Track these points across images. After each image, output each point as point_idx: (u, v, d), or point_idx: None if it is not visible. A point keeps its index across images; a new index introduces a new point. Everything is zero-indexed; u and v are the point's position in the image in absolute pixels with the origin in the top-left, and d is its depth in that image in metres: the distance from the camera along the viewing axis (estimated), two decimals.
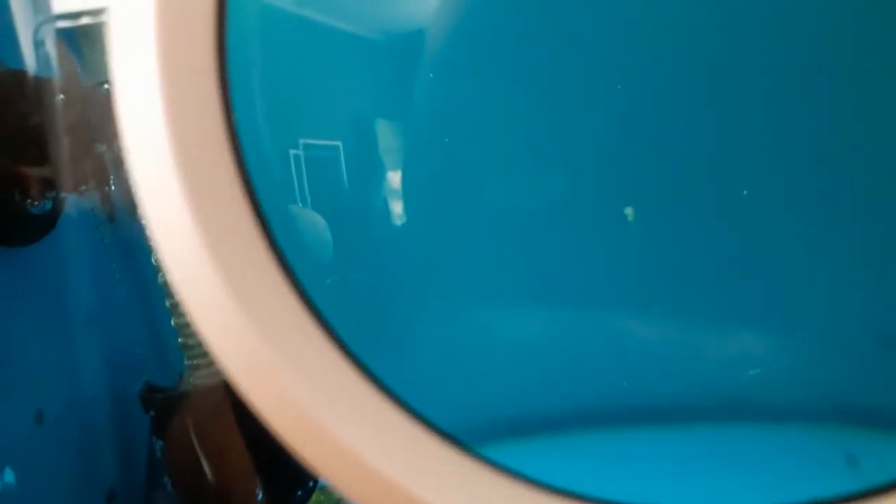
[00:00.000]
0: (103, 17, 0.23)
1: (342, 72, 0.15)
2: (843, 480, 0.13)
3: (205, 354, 0.23)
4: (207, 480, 0.23)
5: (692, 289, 0.16)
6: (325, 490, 0.24)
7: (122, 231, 0.24)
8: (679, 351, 0.16)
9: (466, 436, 0.13)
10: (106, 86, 0.23)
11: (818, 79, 0.15)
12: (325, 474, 0.13)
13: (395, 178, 0.15)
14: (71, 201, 0.24)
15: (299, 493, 0.24)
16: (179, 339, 0.23)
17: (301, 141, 0.15)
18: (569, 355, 0.16)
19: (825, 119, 0.15)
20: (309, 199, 0.15)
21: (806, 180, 0.15)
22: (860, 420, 0.15)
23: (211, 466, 0.23)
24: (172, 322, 0.23)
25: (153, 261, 0.22)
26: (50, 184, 0.23)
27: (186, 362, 0.23)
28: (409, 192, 0.15)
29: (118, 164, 0.23)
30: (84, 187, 0.24)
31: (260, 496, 0.23)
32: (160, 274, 0.23)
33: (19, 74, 0.23)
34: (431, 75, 0.15)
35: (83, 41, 0.24)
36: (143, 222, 0.13)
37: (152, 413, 0.24)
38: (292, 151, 0.15)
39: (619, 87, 0.15)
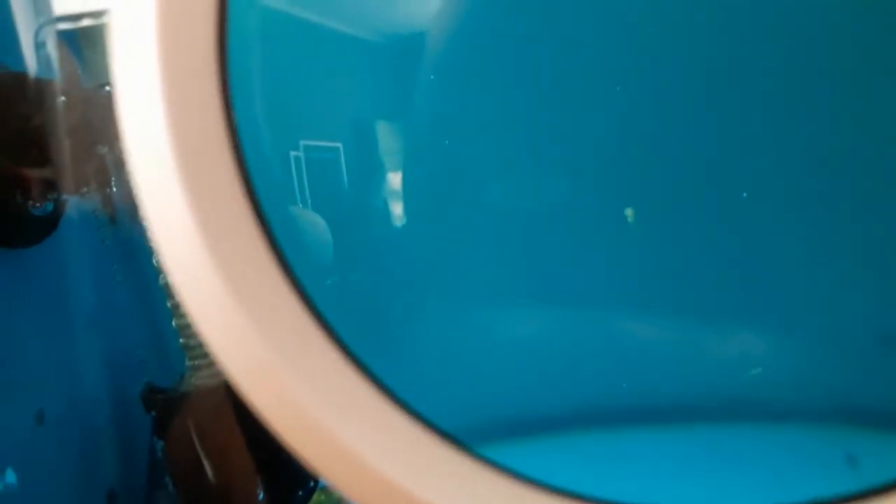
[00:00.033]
0: (104, 19, 0.23)
1: (342, 73, 0.15)
2: (843, 480, 0.13)
3: (206, 355, 0.23)
4: (208, 480, 0.23)
5: (692, 289, 0.16)
6: (326, 490, 0.24)
7: (124, 232, 0.24)
8: (679, 351, 0.16)
9: (466, 436, 0.13)
10: (107, 87, 0.23)
11: (818, 79, 0.15)
12: (326, 474, 0.13)
13: (395, 179, 0.15)
14: (72, 203, 0.24)
15: (300, 493, 0.24)
16: (180, 340, 0.23)
17: (301, 142, 0.15)
18: (569, 355, 0.16)
19: (825, 120, 0.15)
20: (309, 201, 0.15)
21: (805, 181, 0.15)
22: (860, 420, 0.15)
23: (212, 467, 0.23)
24: (173, 323, 0.23)
25: (154, 262, 0.22)
26: (51, 185, 0.23)
27: (187, 363, 0.23)
28: (409, 193, 0.15)
29: (119, 165, 0.23)
30: (85, 189, 0.24)
31: (261, 496, 0.23)
32: (161, 275, 0.23)
33: (20, 76, 0.23)
34: (432, 77, 0.15)
35: (84, 43, 0.24)
36: (144, 224, 0.13)
37: (153, 413, 0.24)
38: (293, 153, 0.15)
39: (618, 88, 0.15)
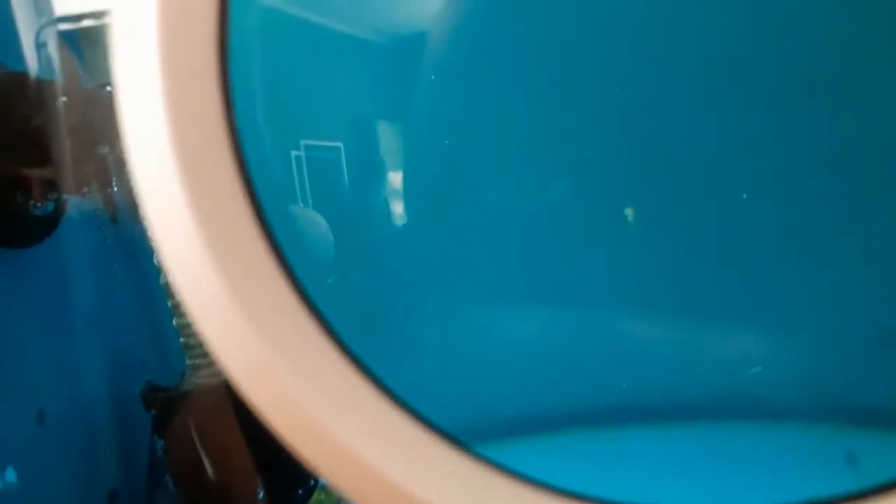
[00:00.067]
0: (105, 20, 0.23)
1: (343, 73, 0.15)
2: (842, 480, 0.13)
3: (206, 354, 0.23)
4: (209, 479, 0.23)
5: (692, 288, 0.16)
6: (326, 489, 0.24)
7: (124, 232, 0.24)
8: (679, 351, 0.16)
9: (466, 435, 0.13)
10: (108, 88, 0.23)
11: (818, 79, 0.15)
12: (325, 473, 0.13)
13: (395, 178, 0.15)
14: (73, 203, 0.24)
15: (300, 492, 0.24)
16: (181, 340, 0.23)
17: (302, 142, 0.15)
18: (569, 355, 0.16)
19: (825, 119, 0.15)
20: (310, 200, 0.15)
21: (805, 180, 0.15)
22: (860, 419, 0.15)
23: (212, 465, 0.23)
24: (174, 322, 0.23)
25: (155, 262, 0.22)
26: (52, 185, 0.23)
27: (188, 362, 0.23)
28: (409, 192, 0.15)
29: (120, 165, 0.23)
30: (86, 189, 0.24)
31: (261, 495, 0.23)
32: (162, 275, 0.23)
33: (21, 77, 0.23)
34: (432, 77, 0.15)
35: (85, 43, 0.24)
36: (145, 223, 0.13)
37: (154, 412, 0.24)
38: (293, 152, 0.15)
39: (619, 89, 0.15)
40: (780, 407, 0.15)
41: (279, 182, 0.14)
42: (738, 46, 0.15)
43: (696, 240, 0.16)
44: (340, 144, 0.15)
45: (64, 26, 0.23)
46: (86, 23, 0.24)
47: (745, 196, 0.15)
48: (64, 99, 0.23)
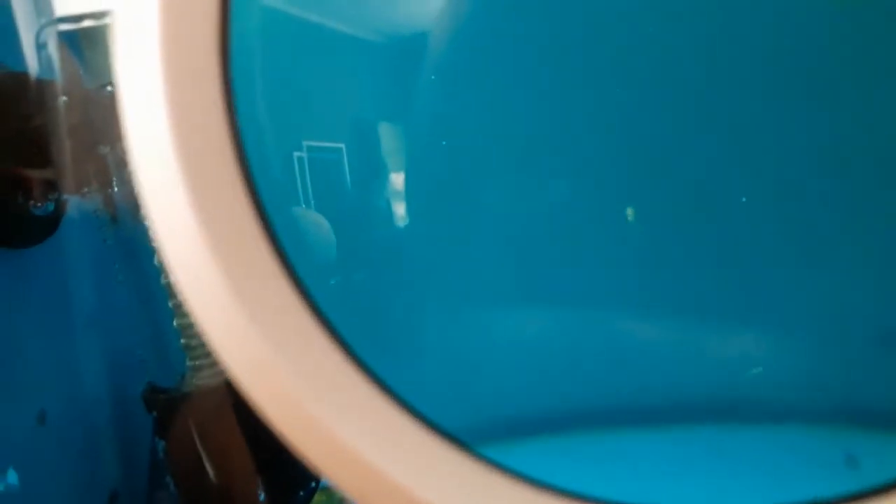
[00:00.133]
0: (105, 20, 0.23)
1: (345, 74, 0.15)
2: (842, 481, 0.13)
3: (207, 355, 0.23)
4: (210, 480, 0.23)
5: (692, 289, 0.16)
6: (328, 490, 0.24)
7: (125, 232, 0.24)
8: (679, 351, 0.16)
9: (467, 436, 0.13)
10: (108, 88, 0.23)
11: (817, 79, 0.15)
12: (327, 474, 0.13)
13: (398, 179, 0.15)
14: (73, 203, 0.24)
15: (301, 493, 0.24)
16: (182, 340, 0.23)
17: (304, 143, 0.15)
18: (570, 356, 0.16)
19: (824, 119, 0.15)
20: (312, 201, 0.15)
21: (805, 180, 0.15)
22: (860, 420, 0.15)
23: (213, 467, 0.23)
24: (175, 323, 0.23)
25: (156, 262, 0.22)
26: (52, 185, 0.23)
27: (189, 363, 0.23)
28: (411, 193, 0.15)
29: (121, 165, 0.23)
30: (86, 189, 0.24)
31: (262, 496, 0.23)
32: (163, 275, 0.23)
33: (21, 77, 0.23)
34: (433, 78, 0.15)
35: (85, 44, 0.24)
36: (146, 224, 0.13)
37: (155, 414, 0.24)
38: (295, 153, 0.15)
39: (619, 90, 0.15)
40: (780, 408, 0.16)
41: (281, 183, 0.14)
42: (737, 48, 0.15)
43: (696, 240, 0.16)
44: (342, 145, 0.15)
45: (64, 26, 0.23)
46: (86, 23, 0.24)
47: (744, 200, 0.15)
48: (64, 99, 0.23)
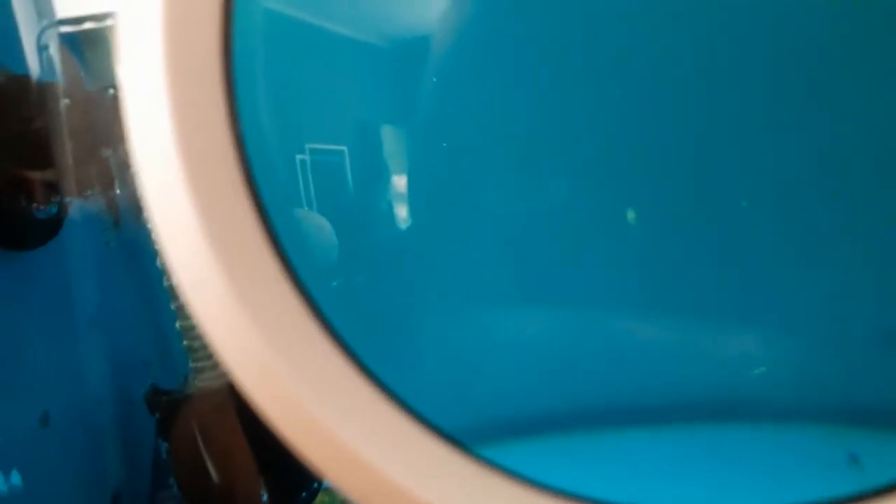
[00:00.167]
0: (107, 22, 0.23)
1: (347, 77, 0.15)
2: (845, 480, 0.14)
3: (209, 357, 0.23)
4: (212, 482, 0.23)
5: (693, 288, 0.16)
6: (330, 491, 0.24)
7: (127, 235, 0.25)
8: (680, 351, 0.16)
9: (467, 436, 0.13)
10: (110, 90, 0.23)
11: (817, 79, 0.15)
12: (329, 476, 0.13)
13: (400, 182, 0.15)
14: (76, 205, 0.24)
15: (304, 494, 0.24)
16: (184, 342, 0.23)
17: (307, 146, 0.15)
18: (570, 357, 0.16)
19: (824, 119, 0.15)
20: (314, 203, 0.15)
21: (806, 179, 0.15)
22: (862, 419, 0.15)
23: (216, 468, 0.23)
24: (177, 325, 0.23)
25: (158, 264, 0.22)
26: (54, 188, 0.23)
27: (191, 364, 0.23)
28: (413, 195, 0.15)
29: (123, 168, 0.23)
30: (89, 192, 0.24)
31: (264, 497, 0.23)
32: (165, 277, 0.23)
33: (23, 79, 0.23)
34: (434, 80, 0.15)
35: (86, 46, 0.24)
36: (149, 226, 0.13)
37: (157, 415, 0.24)
38: (298, 156, 0.15)
39: (619, 92, 0.15)
40: (781, 408, 0.16)
41: (283, 185, 0.14)
42: (738, 49, 0.15)
43: (696, 239, 0.16)
44: (345, 148, 0.15)
45: (65, 29, 0.23)
46: (87, 25, 0.24)
47: (744, 204, 0.15)
48: (66, 102, 0.23)
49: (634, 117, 0.15)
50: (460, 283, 0.16)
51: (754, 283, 0.15)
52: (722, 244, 0.15)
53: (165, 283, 0.23)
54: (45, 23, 0.23)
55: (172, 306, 0.23)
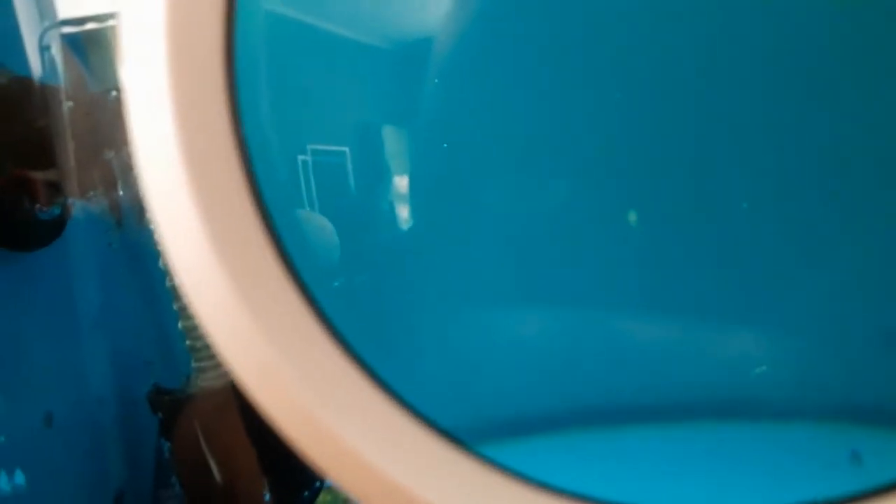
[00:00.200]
0: (109, 23, 0.23)
1: (349, 77, 0.15)
2: (847, 479, 0.14)
3: (212, 357, 0.23)
4: (215, 481, 0.23)
5: (693, 287, 0.16)
6: (332, 490, 0.24)
7: (130, 236, 0.25)
8: (680, 350, 0.16)
9: (467, 435, 0.13)
10: (113, 92, 0.23)
11: (817, 79, 0.15)
12: (331, 474, 0.13)
13: (401, 182, 0.15)
14: (79, 206, 0.24)
15: (306, 493, 0.24)
16: (187, 342, 0.23)
17: (308, 146, 0.15)
18: (571, 356, 0.16)
19: (825, 120, 0.15)
20: (316, 204, 0.15)
21: (806, 179, 0.15)
22: (864, 418, 0.15)
23: (218, 467, 0.23)
24: (179, 325, 0.23)
25: (160, 265, 0.22)
26: (58, 189, 0.23)
27: (193, 364, 0.23)
28: (414, 196, 0.15)
29: (126, 169, 0.23)
30: (92, 193, 0.24)
31: (267, 496, 0.23)
32: (168, 278, 0.23)
33: (26, 81, 0.23)
34: (436, 81, 0.15)
35: (88, 47, 0.24)
36: (151, 227, 0.13)
37: (160, 415, 0.24)
38: (300, 156, 0.15)
39: (620, 93, 0.15)
40: (783, 407, 0.15)
41: (286, 186, 0.15)
42: (738, 50, 0.15)
43: (696, 239, 0.16)
44: (346, 149, 0.15)
45: (67, 29, 0.24)
46: (89, 26, 0.24)
47: (745, 205, 0.15)
48: (69, 104, 0.23)
49: (635, 118, 0.15)
50: (461, 283, 0.16)
51: (755, 282, 0.15)
52: (722, 244, 0.15)
53: (168, 284, 0.23)
54: (46, 23, 0.23)
55: (175, 307, 0.23)
